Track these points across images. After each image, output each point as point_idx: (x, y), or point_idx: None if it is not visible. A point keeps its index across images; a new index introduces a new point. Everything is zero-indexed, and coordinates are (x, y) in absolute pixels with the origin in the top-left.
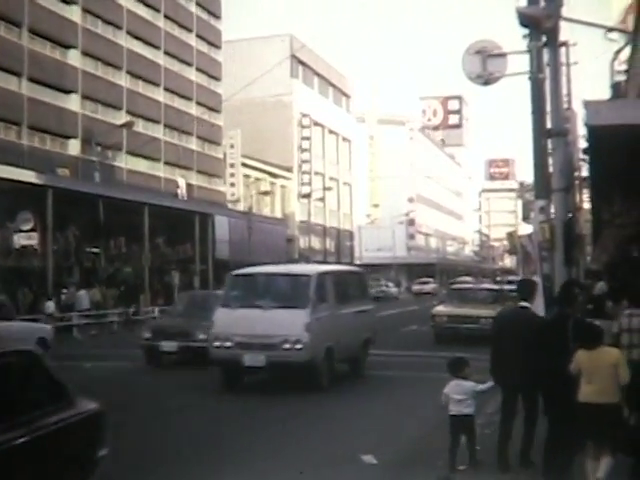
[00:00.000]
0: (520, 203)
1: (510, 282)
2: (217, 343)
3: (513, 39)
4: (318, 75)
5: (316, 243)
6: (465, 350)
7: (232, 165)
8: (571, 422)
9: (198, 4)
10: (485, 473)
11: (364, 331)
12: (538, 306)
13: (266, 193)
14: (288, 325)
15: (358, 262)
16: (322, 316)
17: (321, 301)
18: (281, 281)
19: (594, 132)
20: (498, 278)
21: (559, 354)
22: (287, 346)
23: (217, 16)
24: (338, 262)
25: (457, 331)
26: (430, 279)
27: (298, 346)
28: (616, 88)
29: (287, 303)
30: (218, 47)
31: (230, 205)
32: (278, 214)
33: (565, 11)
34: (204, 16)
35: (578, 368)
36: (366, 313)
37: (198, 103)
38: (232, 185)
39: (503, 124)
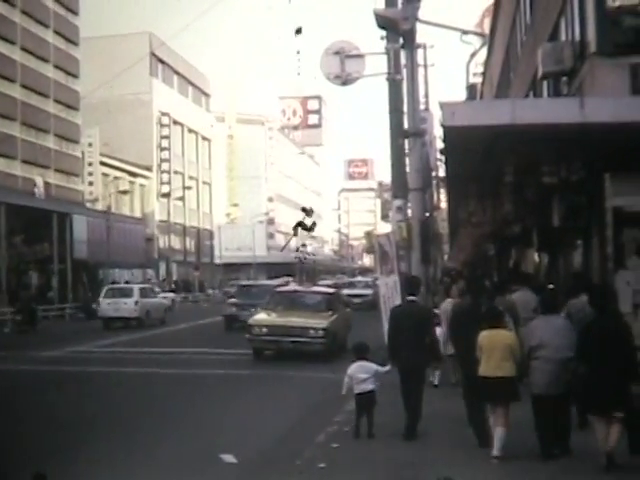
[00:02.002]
0: (379, 202)
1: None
2: None
3: (373, 40)
4: (178, 74)
5: (176, 242)
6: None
7: (90, 164)
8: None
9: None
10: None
11: None
12: (396, 302)
13: (125, 192)
14: None
15: (218, 261)
16: None
17: None
18: None
19: (450, 133)
20: (359, 278)
21: (473, 336)
22: None
23: (75, 12)
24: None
25: (280, 345)
26: (289, 278)
27: None
28: (471, 89)
29: None
30: (76, 44)
31: (88, 204)
32: (137, 213)
33: (423, 14)
34: (61, 12)
35: (480, 347)
36: None
37: (56, 100)
38: (90, 184)
39: (362, 124)
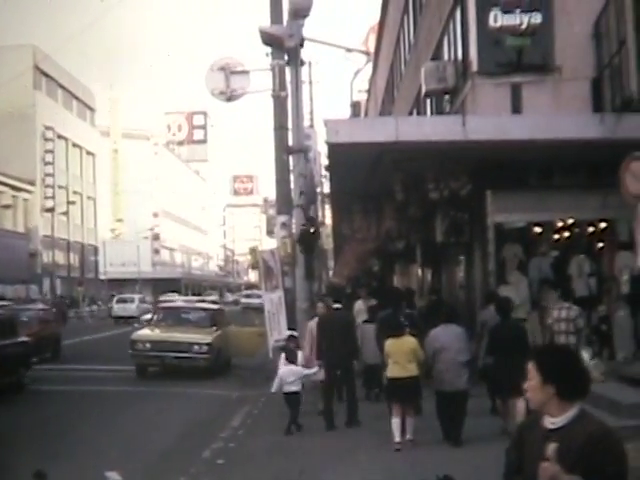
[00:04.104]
0: (264, 218)
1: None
2: None
3: (260, 57)
4: (62, 87)
5: (60, 258)
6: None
7: None
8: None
9: None
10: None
11: None
12: (281, 320)
13: (7, 207)
14: None
15: (103, 277)
16: None
17: None
18: None
19: (334, 150)
20: (247, 292)
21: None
22: None
23: None
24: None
25: (164, 361)
26: (175, 294)
27: None
28: (355, 107)
29: None
30: None
31: None
32: (20, 228)
33: (309, 31)
34: None
35: (387, 352)
36: None
37: None
38: None
39: (248, 140)
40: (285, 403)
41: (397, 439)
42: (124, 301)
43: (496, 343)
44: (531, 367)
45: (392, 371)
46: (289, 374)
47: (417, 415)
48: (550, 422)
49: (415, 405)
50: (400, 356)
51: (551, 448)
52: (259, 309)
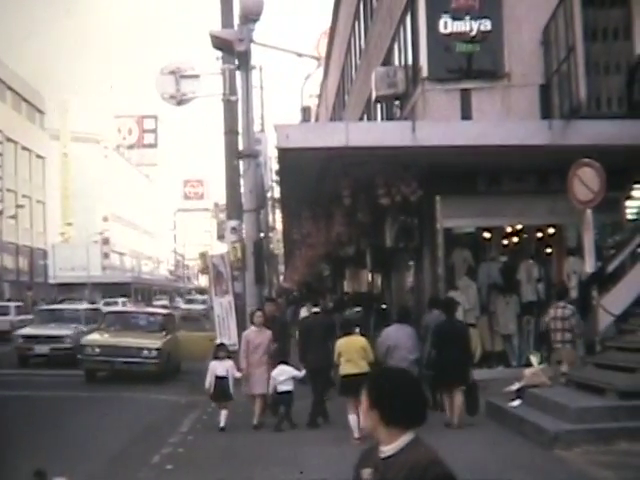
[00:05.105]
0: (215, 223)
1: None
2: None
3: (211, 61)
4: (11, 90)
5: (9, 262)
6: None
7: None
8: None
9: None
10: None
11: None
12: (231, 324)
13: None
14: None
15: (52, 281)
16: None
17: None
18: None
19: (284, 155)
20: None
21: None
22: None
23: None
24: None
25: (113, 366)
26: (124, 299)
27: None
28: (305, 112)
29: None
30: None
31: None
32: None
33: (261, 36)
34: None
35: (339, 351)
36: None
37: None
38: None
39: (199, 144)
40: (278, 402)
41: (356, 435)
42: None
43: (440, 339)
44: (364, 391)
45: (345, 368)
46: (281, 374)
47: None
48: (381, 450)
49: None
50: (352, 354)
51: (366, 473)
52: (199, 317)
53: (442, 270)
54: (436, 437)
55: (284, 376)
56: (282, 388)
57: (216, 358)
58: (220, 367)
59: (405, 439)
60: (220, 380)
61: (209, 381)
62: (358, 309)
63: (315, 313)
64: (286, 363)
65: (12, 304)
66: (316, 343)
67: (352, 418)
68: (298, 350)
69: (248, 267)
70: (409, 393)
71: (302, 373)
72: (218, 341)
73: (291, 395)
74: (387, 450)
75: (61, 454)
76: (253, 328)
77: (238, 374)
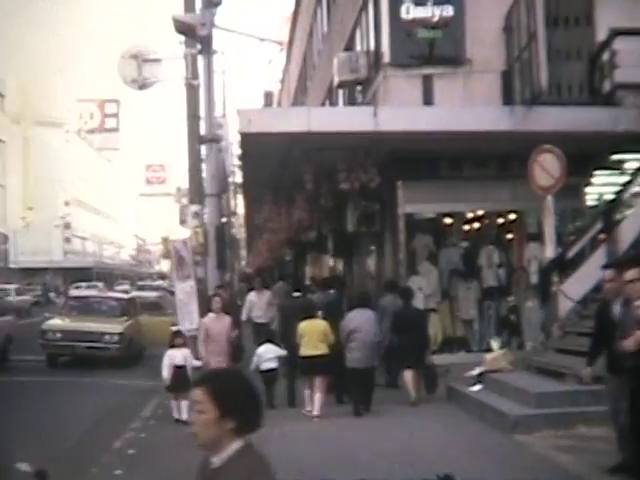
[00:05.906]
0: (178, 207)
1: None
2: None
3: (175, 45)
4: None
5: None
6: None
7: None
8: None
9: None
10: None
11: None
12: (193, 310)
13: None
14: None
15: (13, 266)
16: None
17: None
18: None
19: (246, 140)
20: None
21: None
22: None
23: None
24: None
25: (75, 351)
26: (100, 283)
27: None
28: (268, 97)
29: None
30: None
31: None
32: None
33: (224, 20)
34: None
35: (300, 333)
36: None
37: None
38: None
39: (161, 129)
40: (262, 381)
41: (307, 407)
42: None
43: (399, 325)
44: (202, 397)
45: (305, 350)
46: (267, 351)
47: (330, 394)
48: (213, 461)
49: (328, 382)
50: (312, 336)
51: None
52: (153, 305)
53: (403, 255)
54: (397, 421)
55: (271, 354)
56: (267, 365)
57: (172, 346)
58: (179, 355)
59: (237, 446)
60: (179, 369)
61: (167, 371)
62: (332, 291)
63: (296, 297)
64: (272, 342)
65: None
66: (295, 326)
67: (306, 393)
68: (279, 332)
69: (210, 252)
70: (242, 395)
71: (285, 352)
72: (175, 328)
73: (275, 373)
74: (216, 461)
75: (23, 439)
76: (211, 315)
77: (197, 363)
